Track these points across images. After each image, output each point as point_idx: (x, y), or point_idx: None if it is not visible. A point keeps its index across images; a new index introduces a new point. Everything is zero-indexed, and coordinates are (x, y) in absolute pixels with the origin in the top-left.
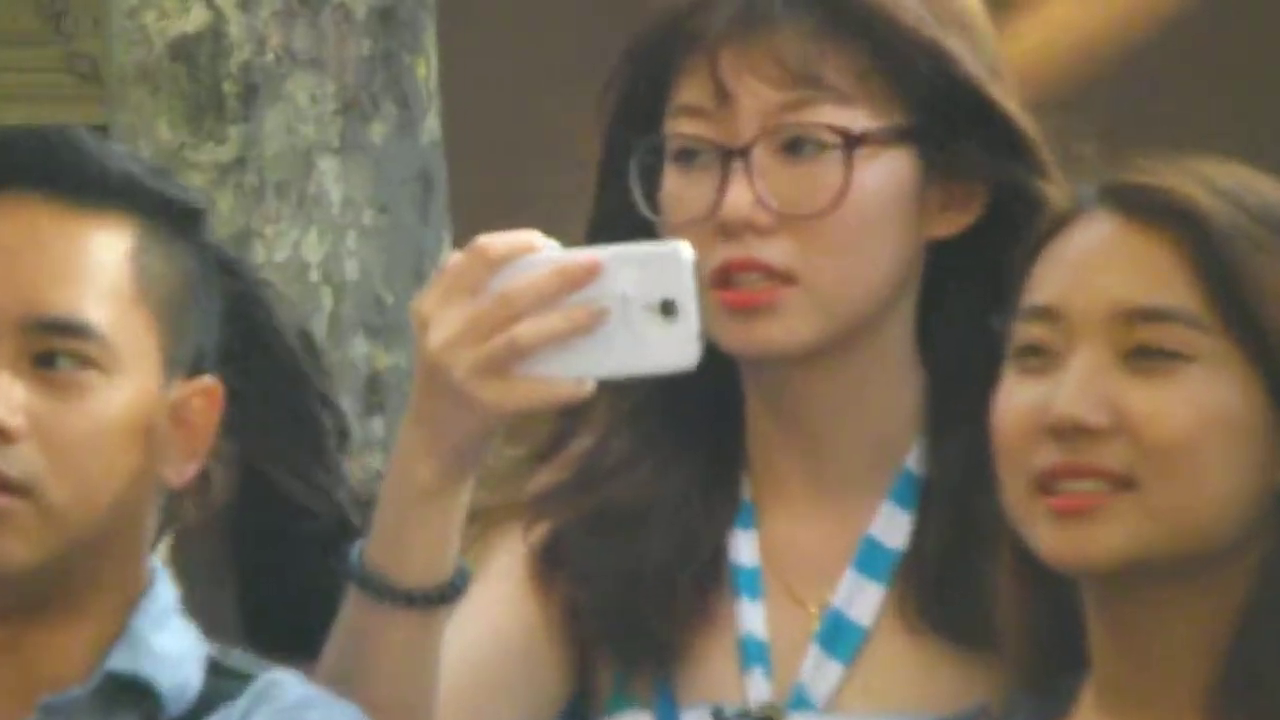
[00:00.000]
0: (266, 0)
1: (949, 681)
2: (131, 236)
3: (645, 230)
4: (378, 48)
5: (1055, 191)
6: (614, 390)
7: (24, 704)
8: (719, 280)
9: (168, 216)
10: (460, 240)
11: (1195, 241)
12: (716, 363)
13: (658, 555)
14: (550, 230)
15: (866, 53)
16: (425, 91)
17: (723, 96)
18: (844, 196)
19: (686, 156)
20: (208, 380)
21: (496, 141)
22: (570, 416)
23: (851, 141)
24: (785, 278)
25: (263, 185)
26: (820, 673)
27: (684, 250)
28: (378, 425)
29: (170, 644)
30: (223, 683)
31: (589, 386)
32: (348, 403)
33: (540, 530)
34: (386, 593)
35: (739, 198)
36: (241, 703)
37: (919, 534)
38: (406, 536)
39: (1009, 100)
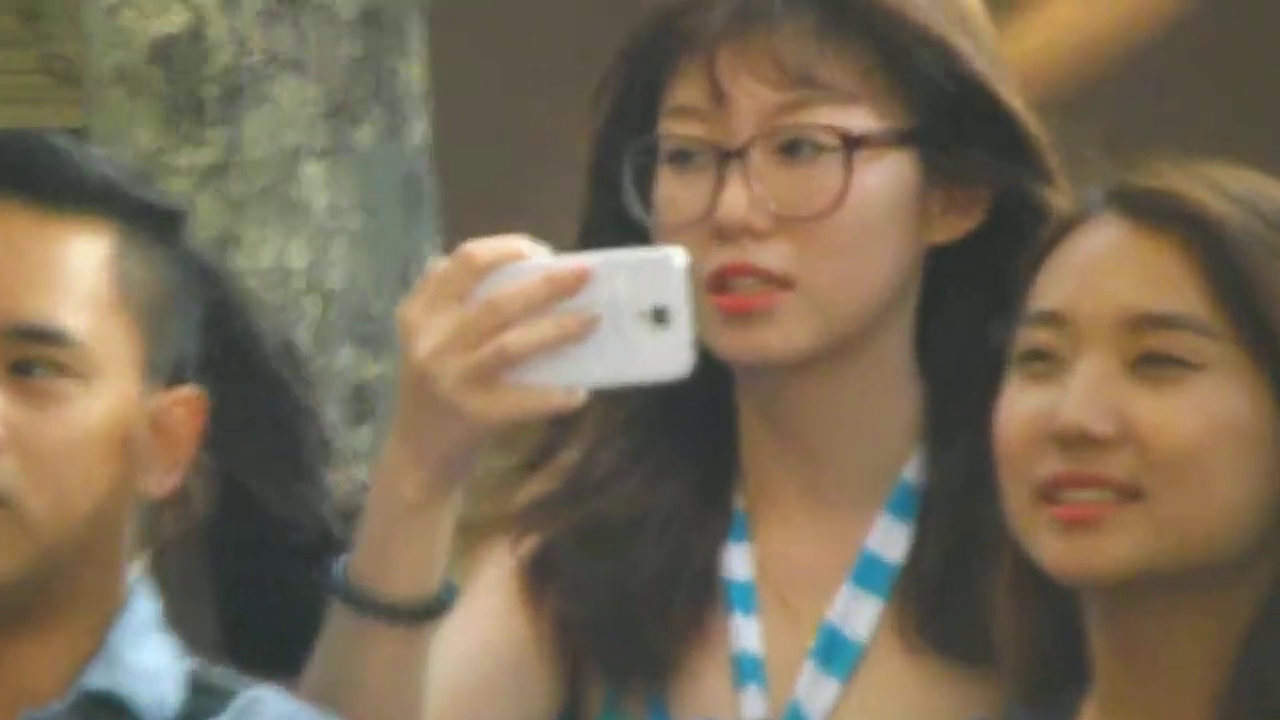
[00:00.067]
0: (248, 1)
1: (947, 699)
2: (110, 242)
3: (638, 235)
4: (364, 50)
5: (1060, 198)
6: (606, 399)
7: (4, 717)
8: (714, 285)
9: (147, 222)
10: (449, 247)
11: (1205, 247)
12: (710, 370)
13: (649, 568)
14: (541, 236)
15: (870, 51)
16: (413, 95)
17: (719, 97)
18: (843, 199)
19: (681, 158)
20: (189, 389)
21: (486, 146)
22: (560, 426)
23: (851, 143)
24: (782, 282)
25: (246, 190)
26: (816, 690)
27: (676, 256)
28: (365, 435)
29: (148, 660)
30: (204, 699)
31: (580, 396)
32: (334, 412)
33: (530, 542)
34: (371, 607)
35: (735, 199)
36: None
37: (918, 546)
38: (392, 550)
39: (1016, 102)
